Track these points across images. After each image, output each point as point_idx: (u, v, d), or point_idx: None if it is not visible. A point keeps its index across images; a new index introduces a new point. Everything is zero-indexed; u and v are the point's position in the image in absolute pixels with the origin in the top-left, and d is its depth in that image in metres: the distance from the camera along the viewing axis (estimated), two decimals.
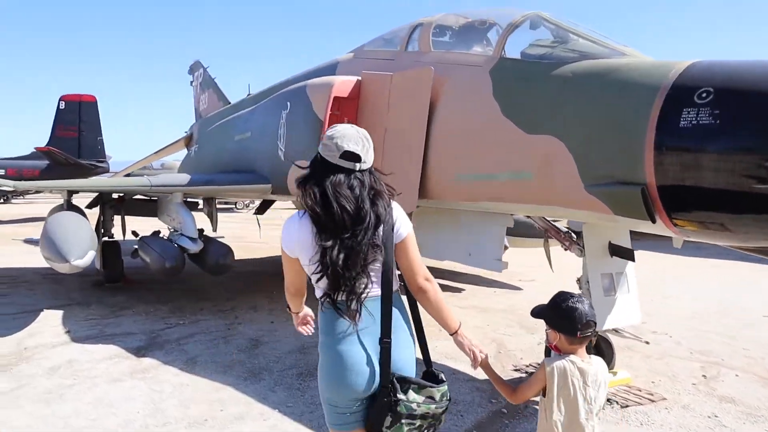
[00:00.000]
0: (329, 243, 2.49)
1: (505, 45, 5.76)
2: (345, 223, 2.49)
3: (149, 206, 10.90)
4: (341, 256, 2.48)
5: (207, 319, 8.05)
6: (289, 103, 7.39)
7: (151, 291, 9.87)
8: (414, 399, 2.58)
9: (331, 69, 8.13)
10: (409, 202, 6.18)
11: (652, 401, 5.14)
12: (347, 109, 6.71)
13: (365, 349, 2.59)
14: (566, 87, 4.97)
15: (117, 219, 10.64)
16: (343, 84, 6.67)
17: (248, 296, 9.59)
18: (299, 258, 2.64)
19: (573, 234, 5.82)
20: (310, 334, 3.07)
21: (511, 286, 10.54)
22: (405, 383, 2.60)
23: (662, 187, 4.26)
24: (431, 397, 2.63)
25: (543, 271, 10.96)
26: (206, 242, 8.26)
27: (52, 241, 7.28)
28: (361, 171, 2.60)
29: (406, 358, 2.69)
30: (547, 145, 4.97)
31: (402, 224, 2.68)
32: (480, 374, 5.91)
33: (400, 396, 2.56)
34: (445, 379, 2.73)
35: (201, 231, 8.79)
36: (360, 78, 6.78)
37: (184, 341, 6.99)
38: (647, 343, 5.64)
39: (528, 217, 6.51)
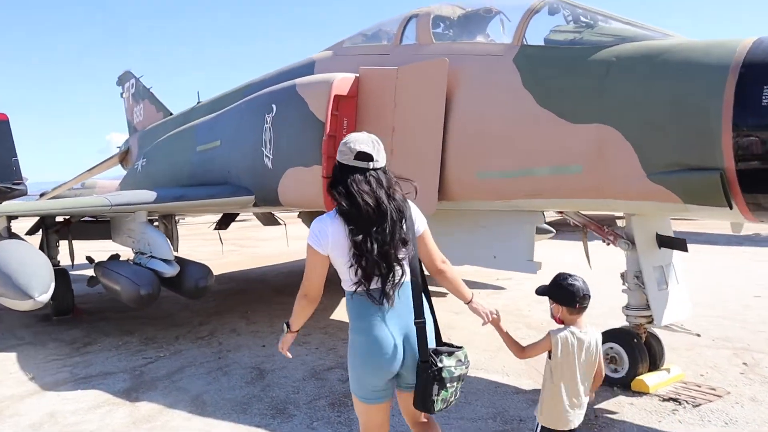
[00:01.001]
0: (360, 237, 2.71)
1: (525, 32, 5.29)
2: (371, 217, 2.72)
3: (99, 228, 9.71)
4: (375, 247, 2.70)
5: (188, 349, 7.11)
6: (274, 106, 6.60)
7: (110, 321, 8.74)
8: (450, 364, 2.83)
9: (308, 68, 7.40)
10: (428, 205, 5.56)
11: (719, 396, 4.80)
12: (345, 107, 6.03)
13: (396, 331, 2.81)
14: (614, 72, 4.53)
15: (61, 244, 9.41)
16: (342, 81, 5.98)
17: (222, 318, 8.66)
18: (330, 254, 2.82)
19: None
20: (290, 357, 3.37)
21: (493, 286, 10.11)
22: (438, 354, 2.84)
23: (742, 171, 3.90)
24: (459, 360, 2.89)
25: None
26: (181, 264, 7.30)
27: (6, 275, 6.16)
28: (375, 169, 2.84)
29: (430, 334, 2.93)
30: (598, 135, 4.52)
31: (419, 220, 2.98)
32: (524, 384, 5.45)
33: (441, 364, 2.80)
34: (461, 345, 2.99)
35: None
36: (357, 74, 6.11)
37: (176, 377, 6.06)
38: (699, 335, 5.32)
39: (559, 212, 6.04)
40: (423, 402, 2.83)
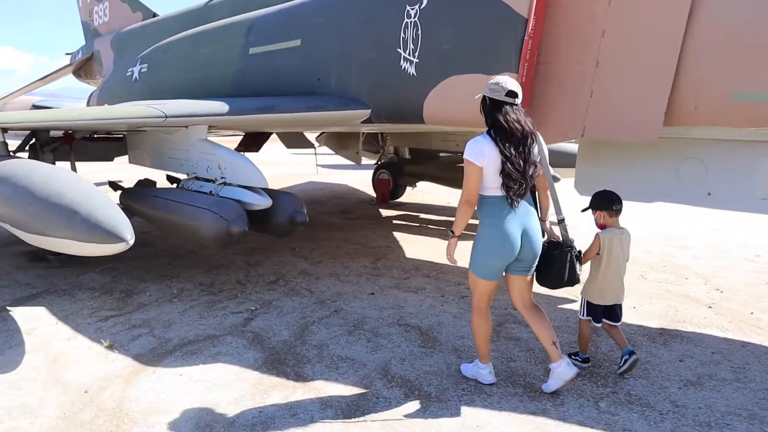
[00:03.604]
0: (513, 153, 3.23)
1: None
2: (518, 139, 3.25)
3: (103, 147, 7.36)
4: (520, 162, 3.24)
5: (277, 299, 5.35)
6: None
7: (123, 261, 6.61)
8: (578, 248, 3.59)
9: None
10: (648, 130, 4.23)
11: None
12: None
13: (518, 227, 3.35)
14: None
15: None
16: None
17: (268, 256, 6.81)
18: (484, 165, 3.26)
19: None
20: (456, 263, 3.56)
21: None
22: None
23: None
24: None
25: None
26: (270, 194, 5.40)
27: (84, 212, 4.10)
28: (517, 105, 3.32)
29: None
30: None
31: (545, 148, 3.46)
32: None
33: (578, 248, 3.57)
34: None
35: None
36: None
37: (312, 340, 4.38)
38: None
39: None
40: (571, 277, 3.47)
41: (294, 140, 10.04)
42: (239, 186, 5.32)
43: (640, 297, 5.40)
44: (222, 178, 5.44)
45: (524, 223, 3.35)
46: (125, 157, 8.22)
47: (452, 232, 3.47)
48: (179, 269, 6.35)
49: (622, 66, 4.27)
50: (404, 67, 4.94)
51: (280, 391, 3.61)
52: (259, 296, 5.48)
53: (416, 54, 4.84)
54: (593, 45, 4.38)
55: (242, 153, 5.46)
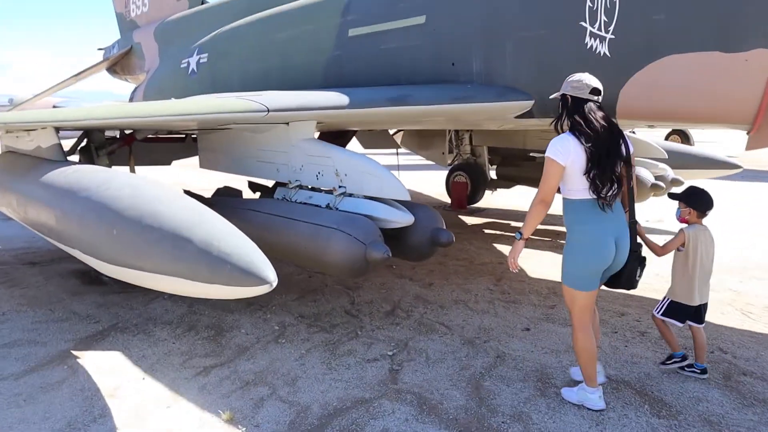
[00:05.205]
0: (601, 152, 2.90)
1: None
2: (606, 137, 2.93)
3: (164, 150, 6.10)
4: (609, 163, 2.93)
5: (411, 339, 4.13)
6: None
7: None
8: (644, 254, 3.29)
9: None
10: None
11: None
12: None
13: (611, 231, 3.02)
14: None
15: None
16: None
17: (364, 277, 5.57)
18: (568, 165, 2.94)
19: None
20: (518, 269, 3.21)
21: None
22: (639, 246, 3.27)
23: None
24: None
25: None
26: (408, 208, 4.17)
27: (200, 240, 2.87)
28: (600, 103, 3.03)
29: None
30: None
31: (630, 145, 3.11)
32: None
33: (643, 254, 3.25)
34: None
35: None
36: None
37: (497, 403, 3.17)
38: None
39: None
40: (630, 281, 3.19)
41: (375, 140, 8.74)
42: (366, 197, 4.09)
43: None
44: (341, 187, 4.21)
45: (617, 227, 3.07)
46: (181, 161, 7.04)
47: (520, 233, 3.13)
48: (265, 295, 5.12)
49: None
50: (591, 46, 3.71)
51: None
52: (385, 334, 4.26)
53: (611, 28, 3.62)
54: None
55: (366, 155, 4.19)
